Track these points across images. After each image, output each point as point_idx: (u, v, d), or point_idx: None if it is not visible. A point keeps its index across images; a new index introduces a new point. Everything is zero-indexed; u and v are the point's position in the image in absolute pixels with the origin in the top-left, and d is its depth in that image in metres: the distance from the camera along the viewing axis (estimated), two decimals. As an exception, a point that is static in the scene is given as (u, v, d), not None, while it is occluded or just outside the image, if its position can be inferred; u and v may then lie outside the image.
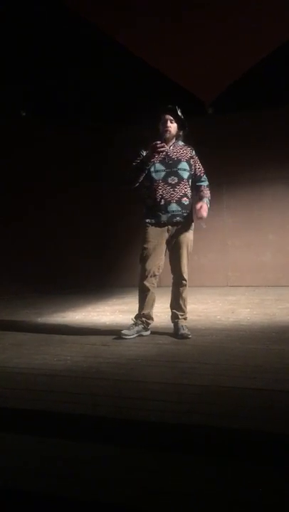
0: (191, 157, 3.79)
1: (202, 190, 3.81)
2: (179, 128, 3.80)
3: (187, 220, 3.75)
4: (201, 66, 5.21)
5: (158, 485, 1.74)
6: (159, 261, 3.75)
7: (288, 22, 4.57)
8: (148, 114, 3.94)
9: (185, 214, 3.72)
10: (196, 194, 3.83)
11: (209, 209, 3.78)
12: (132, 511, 1.63)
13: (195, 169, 3.82)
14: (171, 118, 3.75)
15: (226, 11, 4.47)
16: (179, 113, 3.74)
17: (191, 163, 3.78)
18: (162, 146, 3.60)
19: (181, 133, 3.82)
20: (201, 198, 3.78)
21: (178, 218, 3.70)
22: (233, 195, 7.29)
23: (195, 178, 3.83)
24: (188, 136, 3.89)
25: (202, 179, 3.85)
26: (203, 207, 3.71)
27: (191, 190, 3.81)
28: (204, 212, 3.69)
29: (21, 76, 6.16)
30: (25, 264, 6.89)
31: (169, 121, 3.75)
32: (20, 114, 6.98)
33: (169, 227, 3.72)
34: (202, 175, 3.85)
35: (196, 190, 3.84)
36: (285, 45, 4.86)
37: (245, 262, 7.24)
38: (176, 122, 3.76)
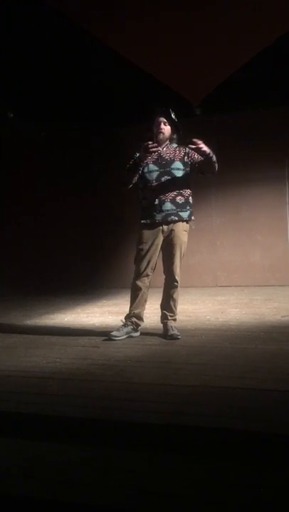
0: (186, 154, 3.77)
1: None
2: (173, 131, 3.81)
3: (183, 219, 3.75)
4: (189, 67, 5.22)
5: (151, 486, 1.74)
6: (152, 261, 3.77)
7: (275, 23, 4.59)
8: (143, 116, 3.94)
9: (180, 213, 3.73)
10: (206, 167, 3.73)
11: (213, 162, 3.65)
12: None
13: (194, 159, 3.76)
14: (165, 120, 3.77)
15: (214, 12, 4.48)
16: (173, 116, 3.75)
17: (186, 160, 3.77)
18: (154, 146, 3.60)
19: (174, 136, 3.84)
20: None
21: (172, 217, 3.71)
22: (222, 196, 7.33)
23: (198, 162, 3.74)
24: (182, 140, 3.90)
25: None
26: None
27: (189, 188, 3.78)
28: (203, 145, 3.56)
29: (13, 77, 6.13)
30: (14, 265, 6.85)
31: (162, 123, 3.76)
32: (8, 115, 6.95)
33: (164, 227, 3.73)
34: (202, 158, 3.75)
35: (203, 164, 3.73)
36: (272, 46, 4.89)
37: (234, 262, 7.28)
38: (169, 125, 3.78)
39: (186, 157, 3.79)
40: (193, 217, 3.82)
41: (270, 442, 1.95)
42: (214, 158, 3.70)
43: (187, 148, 3.81)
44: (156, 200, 3.71)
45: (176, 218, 3.72)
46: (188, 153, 3.79)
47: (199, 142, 3.57)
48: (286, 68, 5.98)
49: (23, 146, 7.10)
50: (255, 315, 4.64)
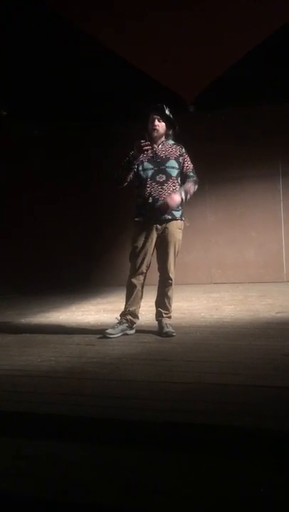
0: (180, 155, 3.79)
1: (185, 183, 3.77)
2: (168, 127, 3.80)
3: (176, 218, 3.75)
4: (182, 65, 5.22)
5: (145, 484, 1.74)
6: (147, 259, 3.77)
7: (266, 21, 4.60)
8: (137, 114, 3.94)
9: (173, 212, 3.72)
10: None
11: (185, 201, 3.72)
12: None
13: (183, 167, 3.81)
14: (159, 117, 3.76)
15: (207, 11, 4.48)
16: (167, 112, 3.75)
17: (180, 160, 3.78)
18: (147, 145, 3.60)
19: (170, 132, 3.83)
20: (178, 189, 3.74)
21: (166, 216, 3.71)
22: (215, 193, 7.34)
23: (182, 176, 3.81)
24: (178, 135, 3.90)
25: (189, 175, 3.80)
26: (172, 195, 3.64)
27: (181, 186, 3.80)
28: (172, 201, 3.63)
29: (11, 76, 6.11)
30: (8, 264, 6.84)
31: (156, 120, 3.76)
32: (1, 113, 6.92)
33: (158, 225, 3.73)
34: (189, 171, 3.81)
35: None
36: (266, 43, 4.90)
37: (228, 259, 7.30)
38: (164, 121, 3.77)
39: (180, 158, 3.79)
40: (183, 218, 3.82)
41: (266, 439, 1.95)
42: (192, 190, 3.75)
43: (183, 149, 3.81)
44: (150, 198, 3.70)
45: (170, 217, 3.72)
46: (182, 155, 3.80)
47: (172, 203, 3.63)
48: (280, 65, 5.99)
49: (18, 146, 7.08)
50: (250, 312, 4.65)
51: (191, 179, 3.80)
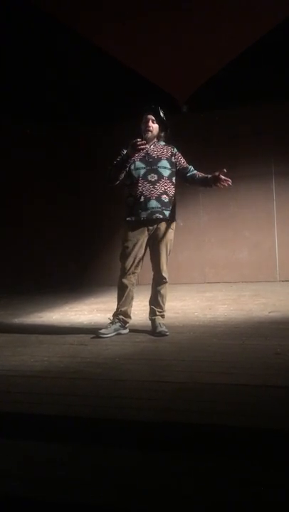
0: (173, 155, 3.80)
1: (199, 173, 3.78)
2: (161, 129, 3.81)
3: (167, 218, 3.75)
4: (175, 65, 5.23)
5: (144, 484, 1.74)
6: (138, 259, 3.76)
7: (260, 22, 4.61)
8: (129, 114, 3.94)
9: (165, 211, 3.72)
10: (197, 181, 3.78)
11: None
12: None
13: (180, 163, 3.81)
14: (153, 118, 3.76)
15: (200, 11, 4.49)
16: (162, 114, 3.75)
17: (173, 160, 3.79)
18: (143, 143, 3.59)
19: (162, 134, 3.84)
20: (206, 175, 3.73)
21: (157, 215, 3.70)
22: (209, 193, 7.32)
23: (183, 171, 3.81)
24: (169, 137, 3.91)
25: (191, 169, 3.81)
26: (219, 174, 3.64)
27: (174, 188, 3.80)
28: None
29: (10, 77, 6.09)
30: (7, 264, 6.81)
31: (150, 121, 3.76)
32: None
33: (149, 225, 3.72)
34: (188, 165, 3.82)
35: (192, 180, 3.80)
36: (259, 44, 4.92)
37: (221, 259, 7.32)
38: (157, 123, 3.77)
39: (173, 157, 3.79)
40: (175, 218, 3.83)
41: (263, 438, 1.96)
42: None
43: (175, 149, 3.82)
44: (142, 197, 3.70)
45: (161, 216, 3.72)
46: (175, 154, 3.80)
47: (227, 181, 3.66)
48: (273, 66, 6.02)
49: (18, 146, 7.07)
50: (243, 311, 4.66)
51: (194, 169, 3.80)
